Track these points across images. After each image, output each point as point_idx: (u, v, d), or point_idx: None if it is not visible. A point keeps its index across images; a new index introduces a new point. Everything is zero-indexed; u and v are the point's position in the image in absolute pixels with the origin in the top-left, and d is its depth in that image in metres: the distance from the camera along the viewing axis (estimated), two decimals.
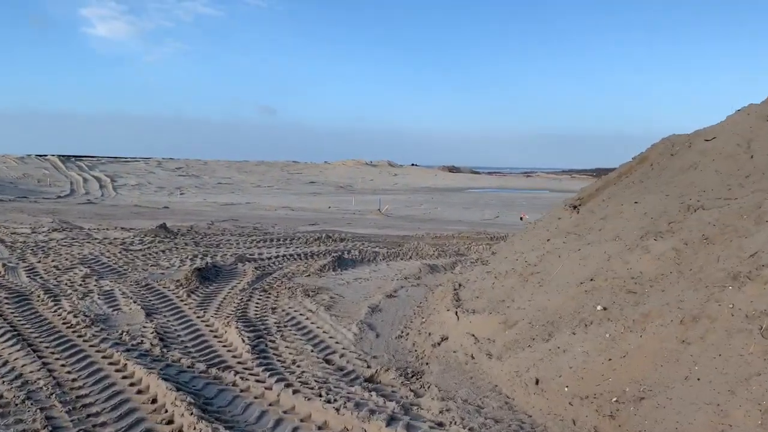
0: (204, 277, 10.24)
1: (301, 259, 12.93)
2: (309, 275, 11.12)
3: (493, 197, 53.80)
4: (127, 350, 6.47)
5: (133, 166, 69.86)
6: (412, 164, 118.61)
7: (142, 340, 6.90)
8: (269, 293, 9.51)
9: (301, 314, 8.30)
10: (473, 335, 6.30)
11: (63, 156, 69.25)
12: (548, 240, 7.46)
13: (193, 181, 60.64)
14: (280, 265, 12.03)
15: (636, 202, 6.58)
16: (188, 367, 6.14)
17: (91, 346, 6.61)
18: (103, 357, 6.27)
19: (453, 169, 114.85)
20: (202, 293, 9.33)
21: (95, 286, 9.50)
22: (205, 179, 64.28)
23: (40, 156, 67.85)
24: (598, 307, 5.18)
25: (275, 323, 7.84)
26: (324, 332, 7.55)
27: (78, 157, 71.99)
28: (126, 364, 6.01)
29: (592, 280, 5.64)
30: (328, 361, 6.47)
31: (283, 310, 8.51)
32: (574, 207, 11.09)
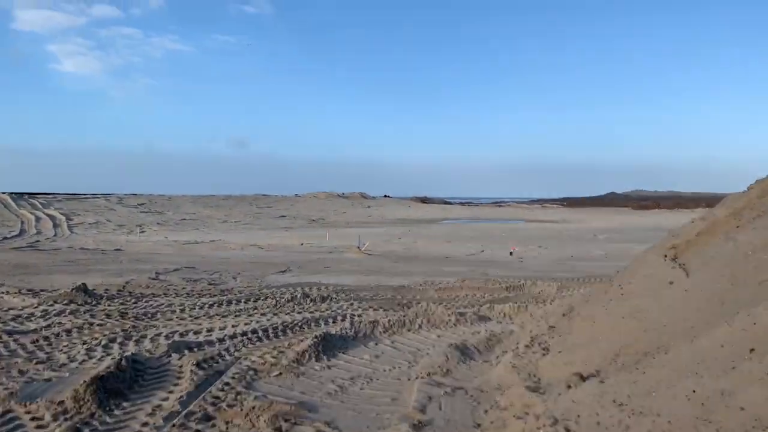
0: (110, 390, 6.32)
1: (268, 338, 9.05)
2: (280, 373, 7.29)
3: (470, 229, 52.16)
4: None
5: (92, 203, 65.02)
6: (385, 195, 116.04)
7: None
8: (214, 425, 5.65)
9: None
10: None
11: (15, 193, 64.37)
12: (750, 358, 3.80)
13: (156, 218, 56.21)
14: (236, 353, 8.13)
15: None
16: None
17: None
18: None
19: (425, 200, 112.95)
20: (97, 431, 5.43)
21: None
22: (169, 215, 59.87)
23: None
24: None
25: None
26: None
27: (32, 195, 67.14)
28: None
29: None
30: None
31: None
32: (674, 259, 7.61)
